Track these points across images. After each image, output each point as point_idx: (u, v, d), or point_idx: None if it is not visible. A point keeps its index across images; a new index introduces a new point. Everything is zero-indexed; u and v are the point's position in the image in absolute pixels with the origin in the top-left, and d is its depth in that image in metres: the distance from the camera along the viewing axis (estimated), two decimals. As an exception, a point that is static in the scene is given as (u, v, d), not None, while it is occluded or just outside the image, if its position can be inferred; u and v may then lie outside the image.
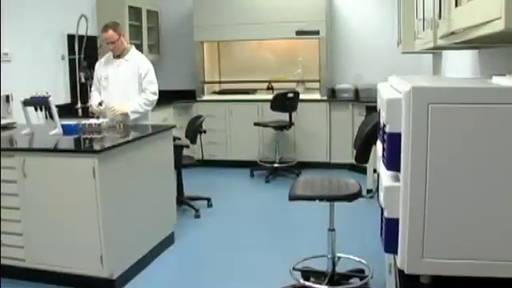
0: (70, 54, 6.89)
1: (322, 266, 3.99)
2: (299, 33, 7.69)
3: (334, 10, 8.09)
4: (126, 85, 5.19)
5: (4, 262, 4.15)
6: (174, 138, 5.11)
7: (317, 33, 7.62)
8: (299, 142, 7.80)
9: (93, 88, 5.52)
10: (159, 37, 8.67)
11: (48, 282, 4.09)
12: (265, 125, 7.42)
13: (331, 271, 3.89)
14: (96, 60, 7.04)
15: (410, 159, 1.57)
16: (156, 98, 5.25)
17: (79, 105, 6.81)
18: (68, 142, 4.43)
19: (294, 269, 4.06)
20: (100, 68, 5.41)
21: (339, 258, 3.95)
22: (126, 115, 5.05)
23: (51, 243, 4.00)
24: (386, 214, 1.71)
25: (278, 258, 4.54)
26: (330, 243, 3.86)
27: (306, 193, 3.62)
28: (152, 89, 5.20)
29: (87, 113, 6.52)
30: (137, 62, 5.26)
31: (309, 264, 4.15)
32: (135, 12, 7.84)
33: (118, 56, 5.28)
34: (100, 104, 5.13)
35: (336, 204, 3.74)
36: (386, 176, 1.78)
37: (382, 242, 1.79)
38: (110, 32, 5.13)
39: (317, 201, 3.55)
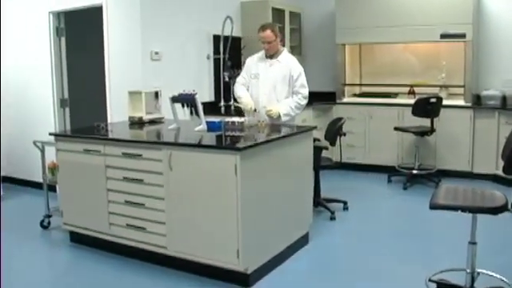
0: (214, 53, 7.14)
1: (459, 279, 3.80)
2: (444, 36, 7.40)
3: (482, 12, 7.68)
4: (276, 85, 5.27)
5: (148, 247, 4.43)
6: (314, 140, 5.12)
7: (463, 36, 7.29)
8: (440, 149, 7.52)
9: (239, 80, 5.55)
10: (301, 38, 8.75)
11: (186, 270, 4.29)
12: (405, 130, 7.23)
13: (469, 286, 3.70)
14: (239, 60, 7.30)
15: None
16: (306, 102, 5.31)
17: (222, 103, 7.05)
18: (211, 139, 4.59)
19: (429, 280, 3.92)
20: (252, 64, 5.48)
21: (479, 273, 3.75)
22: (278, 117, 5.16)
23: (191, 234, 4.16)
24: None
25: (412, 268, 4.40)
26: (470, 257, 3.67)
27: (447, 202, 3.47)
28: (304, 93, 5.26)
29: (230, 111, 6.74)
30: (289, 63, 5.31)
31: (445, 276, 3.97)
32: (278, 14, 7.95)
33: (270, 56, 5.35)
34: (255, 110, 5.23)
35: (478, 216, 3.56)
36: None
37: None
38: (268, 32, 5.22)
39: (459, 211, 3.40)
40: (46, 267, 4.88)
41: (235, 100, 6.01)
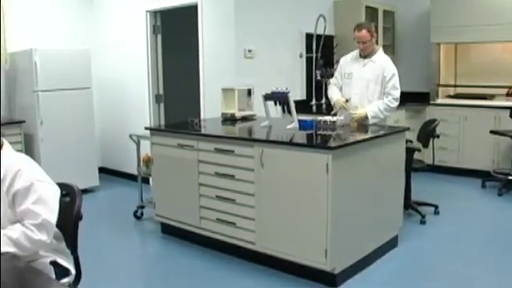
0: (307, 52, 7.14)
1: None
2: (547, 35, 7.08)
3: None
4: (368, 85, 5.19)
5: (236, 242, 4.50)
6: (406, 141, 5.01)
7: None
8: (539, 155, 7.19)
9: (332, 81, 5.53)
10: (394, 37, 8.59)
11: (272, 266, 4.33)
12: (502, 133, 6.94)
13: None
14: (332, 59, 7.26)
15: None
16: (397, 104, 5.18)
17: (314, 101, 7.04)
18: (303, 137, 4.58)
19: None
20: (345, 64, 5.43)
21: None
22: (365, 118, 5.09)
23: (280, 231, 4.19)
24: None
25: (506, 278, 4.24)
26: None
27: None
28: (395, 95, 5.13)
29: (321, 109, 6.72)
30: (383, 64, 5.19)
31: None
32: (371, 12, 7.83)
33: (365, 56, 5.27)
34: (347, 101, 5.19)
35: None
36: None
37: None
38: (364, 32, 5.14)
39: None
40: (137, 257, 5.07)
41: (327, 99, 5.98)
